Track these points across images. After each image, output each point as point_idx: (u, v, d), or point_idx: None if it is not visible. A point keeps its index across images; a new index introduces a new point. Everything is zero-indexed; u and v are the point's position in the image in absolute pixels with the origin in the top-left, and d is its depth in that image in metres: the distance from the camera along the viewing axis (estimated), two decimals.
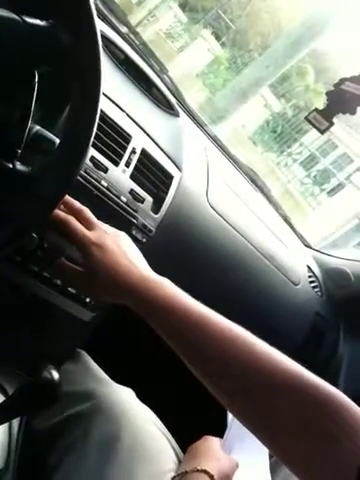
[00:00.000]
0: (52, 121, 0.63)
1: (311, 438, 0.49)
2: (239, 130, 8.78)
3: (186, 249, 0.97)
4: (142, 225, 0.82)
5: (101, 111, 0.59)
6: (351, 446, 0.47)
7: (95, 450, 0.70)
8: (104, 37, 0.89)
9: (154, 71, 1.07)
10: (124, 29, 1.08)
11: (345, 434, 0.47)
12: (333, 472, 0.47)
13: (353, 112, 0.94)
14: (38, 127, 0.58)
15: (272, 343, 0.55)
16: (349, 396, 0.50)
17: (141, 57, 1.03)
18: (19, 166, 0.54)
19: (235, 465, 0.79)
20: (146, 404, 0.83)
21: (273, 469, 0.88)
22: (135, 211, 0.81)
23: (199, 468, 0.72)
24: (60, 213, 0.64)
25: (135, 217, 0.81)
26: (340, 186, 9.17)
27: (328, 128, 0.97)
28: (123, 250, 0.64)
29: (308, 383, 0.51)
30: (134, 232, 0.81)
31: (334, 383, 0.50)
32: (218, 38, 9.51)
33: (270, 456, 0.89)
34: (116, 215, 0.78)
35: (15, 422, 0.75)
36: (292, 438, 0.50)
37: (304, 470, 0.50)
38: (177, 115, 1.04)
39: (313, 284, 1.34)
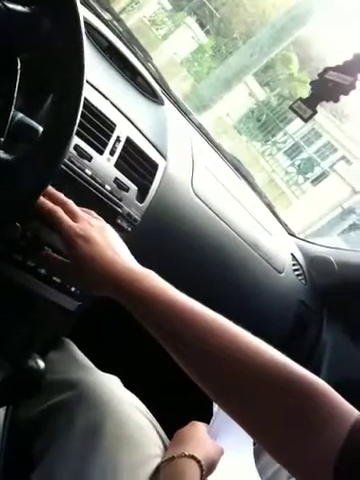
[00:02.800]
0: (35, 109, 0.62)
1: (291, 427, 0.50)
2: (224, 119, 8.77)
3: (171, 238, 0.97)
4: (127, 214, 0.82)
5: (85, 99, 0.59)
6: (330, 433, 0.47)
7: (79, 438, 0.70)
8: (87, 24, 0.88)
9: (138, 59, 1.06)
10: (108, 16, 1.06)
11: (324, 422, 0.48)
12: (313, 459, 0.48)
13: (336, 100, 0.96)
14: (21, 115, 0.57)
15: (256, 331, 0.55)
16: (332, 383, 0.51)
17: (125, 44, 1.02)
18: (2, 154, 0.53)
19: (221, 451, 0.80)
20: (132, 391, 0.83)
21: (256, 455, 0.90)
22: (120, 200, 0.80)
23: (186, 453, 0.73)
24: (46, 203, 0.63)
25: (120, 206, 0.81)
26: (324, 175, 9.22)
27: (312, 116, 0.98)
28: (108, 242, 0.64)
29: (289, 372, 0.51)
30: (119, 221, 0.81)
31: (317, 370, 0.51)
32: (202, 26, 9.43)
33: (254, 443, 0.90)
34: (101, 204, 0.78)
35: (1, 411, 0.75)
36: (273, 427, 0.51)
37: (285, 457, 0.51)
38: (161, 103, 1.03)
39: (297, 272, 1.35)
